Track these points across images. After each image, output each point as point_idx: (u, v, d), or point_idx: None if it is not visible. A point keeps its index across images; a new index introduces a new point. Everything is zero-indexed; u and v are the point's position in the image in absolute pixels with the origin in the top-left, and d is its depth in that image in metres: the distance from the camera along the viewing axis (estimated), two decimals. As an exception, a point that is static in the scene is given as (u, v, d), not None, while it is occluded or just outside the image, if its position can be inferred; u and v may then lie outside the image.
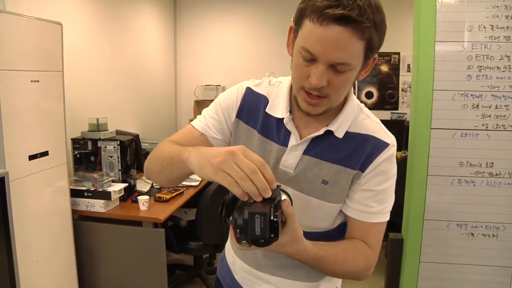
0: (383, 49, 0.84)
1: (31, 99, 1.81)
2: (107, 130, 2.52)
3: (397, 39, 3.28)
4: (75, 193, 2.21)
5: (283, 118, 0.91)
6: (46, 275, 1.95)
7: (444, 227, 1.46)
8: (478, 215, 1.44)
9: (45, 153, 1.90)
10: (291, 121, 0.91)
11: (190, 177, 2.98)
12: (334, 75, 0.77)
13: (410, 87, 4.03)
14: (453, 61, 1.40)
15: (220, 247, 2.59)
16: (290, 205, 0.73)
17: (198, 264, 2.89)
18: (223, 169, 0.67)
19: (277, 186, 0.71)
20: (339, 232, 0.94)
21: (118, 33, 3.19)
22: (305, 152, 0.90)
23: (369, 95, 4.15)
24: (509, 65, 1.38)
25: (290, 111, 0.91)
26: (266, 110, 0.94)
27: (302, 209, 0.86)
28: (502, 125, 1.40)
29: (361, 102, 0.95)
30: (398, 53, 4.04)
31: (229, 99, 0.98)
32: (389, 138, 0.89)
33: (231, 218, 0.70)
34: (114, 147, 2.38)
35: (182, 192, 2.59)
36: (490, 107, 1.40)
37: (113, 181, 2.34)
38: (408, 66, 4.05)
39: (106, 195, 2.22)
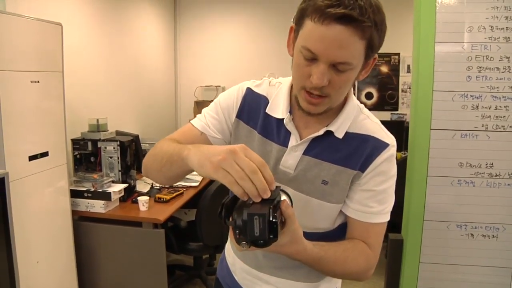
0: (383, 49, 0.84)
1: (31, 100, 1.81)
2: (107, 130, 2.52)
3: (397, 40, 3.29)
4: (75, 194, 2.21)
5: (283, 119, 0.91)
6: (46, 276, 1.95)
7: (444, 228, 1.46)
8: (478, 215, 1.44)
9: (45, 154, 1.90)
10: (291, 122, 0.91)
11: (190, 177, 2.98)
12: (335, 74, 0.77)
13: (410, 88, 4.03)
14: (453, 62, 1.40)
15: (220, 247, 2.59)
16: (290, 205, 0.73)
17: (198, 264, 2.89)
18: (223, 167, 0.67)
19: (277, 187, 0.72)
20: (339, 233, 0.94)
21: (118, 34, 3.19)
22: (305, 153, 0.90)
23: (369, 95, 4.15)
24: (509, 66, 1.38)
25: (290, 112, 0.91)
26: (266, 111, 0.94)
27: (302, 209, 0.86)
28: (502, 126, 1.40)
29: (361, 103, 0.96)
30: (398, 54, 4.04)
31: (230, 99, 0.98)
32: (389, 138, 0.90)
33: (230, 219, 0.70)
34: (114, 148, 2.38)
35: (182, 193, 2.59)
36: (489, 108, 1.40)
37: (113, 181, 2.34)
38: (408, 67, 4.05)
39: (106, 196, 2.22)
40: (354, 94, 0.96)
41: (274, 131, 0.93)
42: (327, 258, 0.83)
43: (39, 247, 1.89)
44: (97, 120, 2.50)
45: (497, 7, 1.36)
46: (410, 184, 1.47)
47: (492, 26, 1.37)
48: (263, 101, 0.95)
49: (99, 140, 2.39)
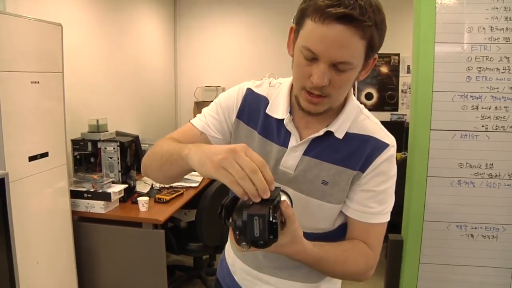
0: (383, 50, 0.84)
1: (31, 100, 1.81)
2: (107, 131, 2.52)
3: (397, 40, 3.29)
4: (75, 194, 2.21)
5: (283, 119, 0.91)
6: (46, 276, 1.95)
7: (444, 228, 1.46)
8: (478, 216, 1.44)
9: (45, 154, 1.90)
10: (291, 122, 0.91)
11: (190, 178, 2.98)
12: (335, 74, 0.77)
13: (409, 88, 4.03)
14: (453, 62, 1.40)
15: (220, 248, 2.59)
16: (290, 206, 0.73)
17: (198, 265, 2.88)
18: (224, 166, 0.67)
19: (276, 187, 0.72)
20: (339, 233, 0.94)
21: (118, 34, 3.19)
22: (305, 153, 0.90)
23: (369, 96, 4.15)
24: (509, 67, 1.38)
25: (290, 112, 0.92)
26: (267, 111, 0.94)
27: (302, 210, 0.86)
28: (502, 126, 1.40)
29: (361, 103, 0.96)
30: (398, 54, 4.04)
31: (230, 99, 0.98)
32: (389, 138, 0.90)
33: (230, 220, 0.70)
34: (114, 148, 2.38)
35: (182, 193, 2.59)
36: (489, 108, 1.40)
37: (113, 182, 2.34)
38: (408, 67, 4.06)
39: (106, 196, 2.22)
40: (354, 94, 0.96)
41: (274, 132, 0.93)
42: (327, 259, 0.83)
43: (39, 247, 1.89)
44: (97, 120, 2.50)
45: (497, 8, 1.36)
46: (410, 185, 1.47)
47: (492, 27, 1.37)
48: (263, 101, 0.95)
49: (99, 140, 2.39)
